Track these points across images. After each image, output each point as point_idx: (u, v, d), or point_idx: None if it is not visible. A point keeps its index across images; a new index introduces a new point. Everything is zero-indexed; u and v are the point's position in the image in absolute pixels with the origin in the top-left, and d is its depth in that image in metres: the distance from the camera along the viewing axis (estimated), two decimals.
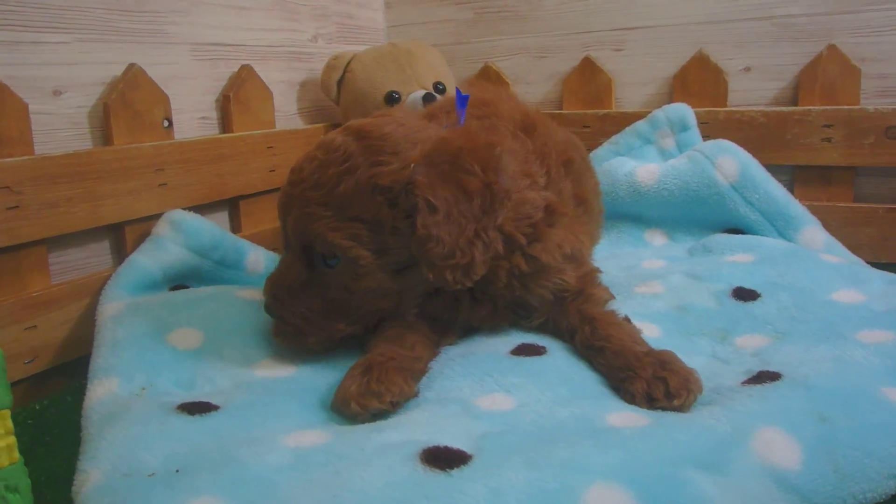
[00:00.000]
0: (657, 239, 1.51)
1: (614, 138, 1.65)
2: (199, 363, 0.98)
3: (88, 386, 0.93)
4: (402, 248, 0.92)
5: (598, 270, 1.11)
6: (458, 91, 1.07)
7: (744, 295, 1.13)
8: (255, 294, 1.11)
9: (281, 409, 0.87)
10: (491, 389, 0.89)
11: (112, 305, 1.09)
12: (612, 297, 1.10)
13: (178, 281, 1.23)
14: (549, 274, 1.02)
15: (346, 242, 0.91)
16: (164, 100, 1.31)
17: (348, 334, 0.99)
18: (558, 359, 0.96)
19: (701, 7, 1.66)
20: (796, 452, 0.72)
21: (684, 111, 1.61)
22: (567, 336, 1.01)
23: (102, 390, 0.91)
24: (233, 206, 1.50)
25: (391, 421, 0.84)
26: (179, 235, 1.24)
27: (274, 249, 1.41)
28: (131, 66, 1.26)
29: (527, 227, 0.97)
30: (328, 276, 0.95)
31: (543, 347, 0.99)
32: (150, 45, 1.33)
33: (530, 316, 1.05)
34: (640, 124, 1.65)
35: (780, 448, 0.73)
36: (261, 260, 1.34)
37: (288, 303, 0.97)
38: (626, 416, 0.81)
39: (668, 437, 0.74)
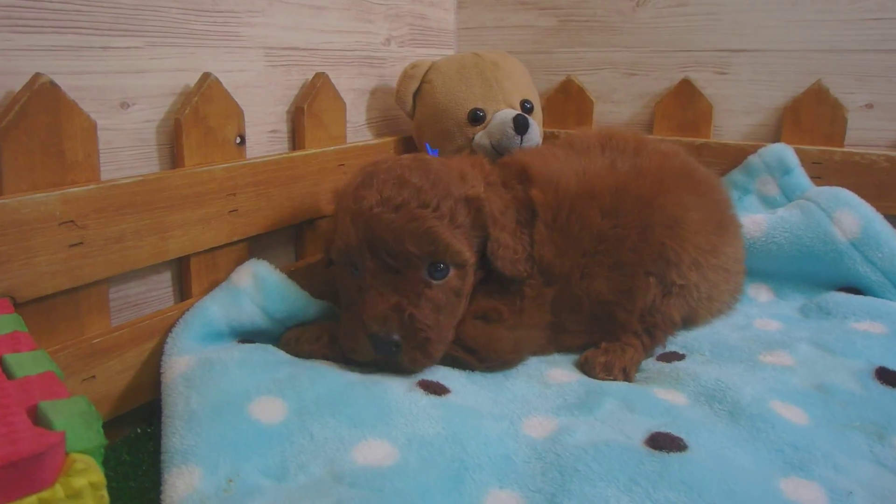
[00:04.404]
0: (762, 295, 1.37)
1: None
2: (287, 444, 0.83)
3: (164, 475, 0.79)
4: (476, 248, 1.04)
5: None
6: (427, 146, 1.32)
7: (889, 379, 1.00)
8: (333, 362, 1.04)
9: None
10: None
11: (181, 360, 0.95)
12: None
13: (246, 337, 1.09)
14: None
15: (465, 247, 1.00)
16: (238, 113, 1.17)
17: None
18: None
19: (820, 34, 1.50)
20: None
21: (782, 152, 1.49)
22: None
23: (184, 486, 0.76)
24: (297, 231, 1.36)
25: None
26: (259, 295, 1.10)
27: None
28: (206, 75, 1.11)
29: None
30: (434, 287, 0.99)
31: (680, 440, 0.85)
32: (222, 49, 1.18)
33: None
34: (735, 174, 1.53)
35: None
36: None
37: (408, 325, 0.96)
38: None
39: None
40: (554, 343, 1.14)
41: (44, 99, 0.89)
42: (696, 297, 1.16)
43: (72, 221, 0.91)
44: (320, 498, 0.74)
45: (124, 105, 1.03)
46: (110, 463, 0.93)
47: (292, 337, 1.09)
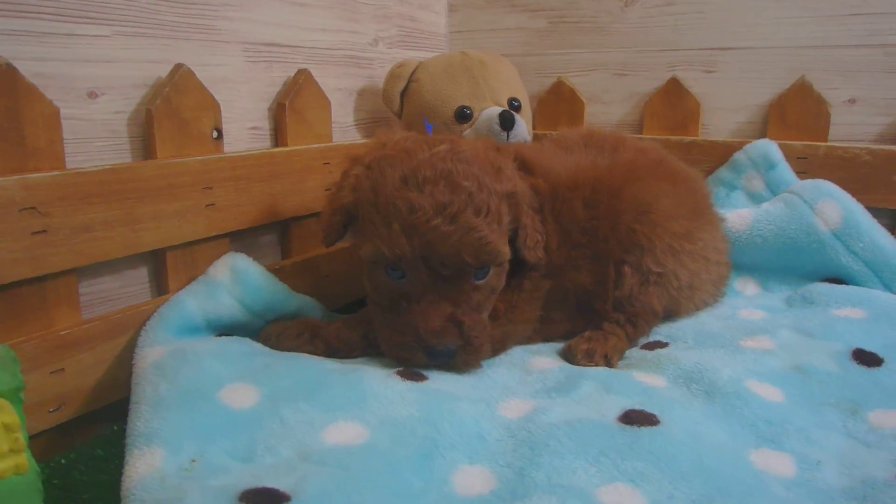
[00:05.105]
0: (749, 287, 1.39)
1: None
2: (256, 428, 0.82)
3: (127, 457, 0.77)
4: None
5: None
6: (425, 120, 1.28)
7: (866, 359, 1.02)
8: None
9: (368, 500, 0.70)
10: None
11: (153, 350, 0.94)
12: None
13: (224, 332, 1.07)
14: None
15: (506, 246, 0.99)
16: (214, 107, 1.15)
17: None
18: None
19: (805, 30, 1.50)
20: None
21: (766, 147, 1.50)
22: None
23: (144, 466, 0.74)
24: (283, 229, 1.35)
25: None
26: (237, 288, 1.08)
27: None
28: (179, 66, 1.10)
29: None
30: (477, 288, 0.99)
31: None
32: (199, 42, 1.17)
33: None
34: (722, 171, 1.55)
35: None
36: None
37: (464, 335, 0.96)
38: None
39: None
40: (539, 333, 1.14)
41: (0, 81, 0.88)
42: (675, 286, 1.15)
43: (33, 208, 0.89)
44: (285, 476, 0.73)
45: (92, 94, 1.01)
46: (83, 458, 0.91)
47: (273, 332, 1.06)
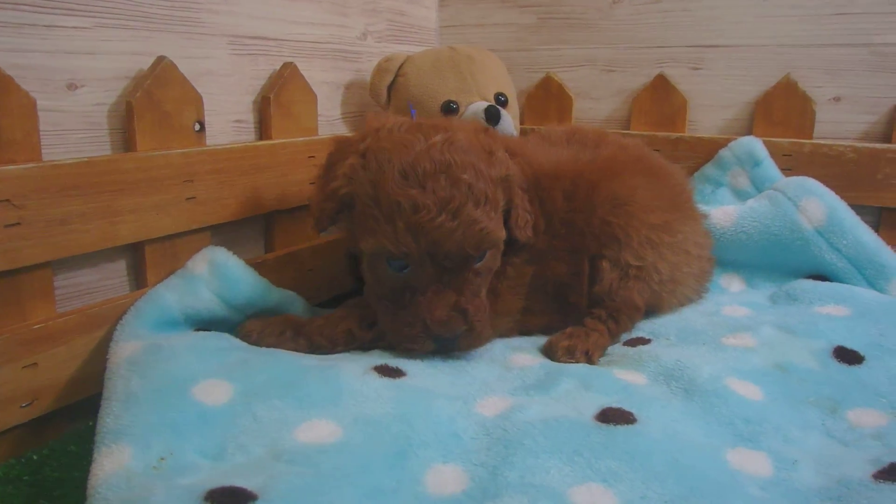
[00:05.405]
0: (734, 284, 1.39)
1: None
2: (229, 425, 0.80)
3: (95, 455, 0.76)
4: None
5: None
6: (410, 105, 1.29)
7: (847, 357, 1.02)
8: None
9: (336, 500, 0.69)
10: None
11: (128, 345, 0.93)
12: None
13: (202, 326, 1.06)
14: None
15: (502, 229, 1.01)
16: (196, 100, 1.14)
17: None
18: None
19: (791, 28, 1.50)
20: None
21: (751, 144, 1.50)
22: None
23: (111, 464, 0.73)
24: (267, 222, 1.34)
25: None
26: (215, 281, 1.07)
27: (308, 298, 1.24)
28: (161, 59, 1.09)
29: None
30: (477, 272, 1.00)
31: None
32: (182, 35, 1.16)
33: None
34: (708, 168, 1.55)
35: None
36: None
37: (468, 320, 0.98)
38: None
39: None
40: (518, 324, 1.14)
41: None
42: (657, 279, 1.15)
43: (7, 200, 0.88)
44: (254, 475, 0.72)
45: (72, 86, 1.01)
46: (56, 454, 0.90)
47: (254, 330, 1.05)
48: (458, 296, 0.97)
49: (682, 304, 1.23)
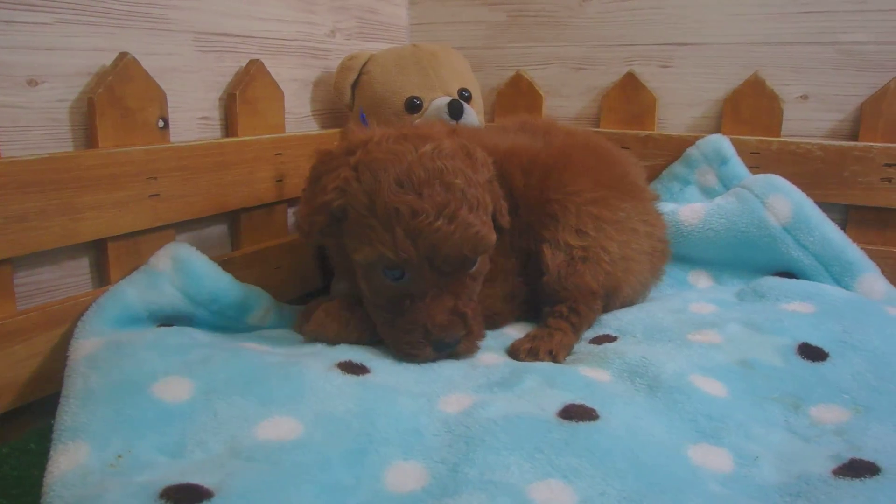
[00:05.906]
0: (702, 281, 1.41)
1: (652, 185, 1.54)
2: (188, 422, 0.80)
3: (52, 453, 0.75)
4: None
5: None
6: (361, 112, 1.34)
7: (811, 354, 1.02)
8: (257, 345, 1.01)
9: (293, 497, 0.69)
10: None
11: (88, 342, 0.92)
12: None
13: (166, 322, 1.05)
14: None
15: (493, 234, 1.01)
16: (160, 96, 1.13)
17: None
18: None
19: (759, 27, 1.51)
20: None
21: (719, 142, 1.50)
22: None
23: (67, 462, 0.72)
24: (233, 220, 1.33)
25: None
26: (179, 277, 1.06)
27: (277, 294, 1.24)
28: (123, 55, 1.08)
29: None
30: (472, 276, 1.02)
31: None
32: (146, 31, 1.14)
33: None
34: (676, 167, 1.55)
35: None
36: (268, 316, 1.18)
37: (467, 325, 1.00)
38: None
39: None
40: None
41: None
42: (607, 259, 1.15)
43: None
44: (212, 472, 0.71)
45: (32, 82, 0.99)
46: (15, 452, 0.89)
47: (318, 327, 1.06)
48: (455, 300, 0.99)
49: (643, 286, 1.24)
